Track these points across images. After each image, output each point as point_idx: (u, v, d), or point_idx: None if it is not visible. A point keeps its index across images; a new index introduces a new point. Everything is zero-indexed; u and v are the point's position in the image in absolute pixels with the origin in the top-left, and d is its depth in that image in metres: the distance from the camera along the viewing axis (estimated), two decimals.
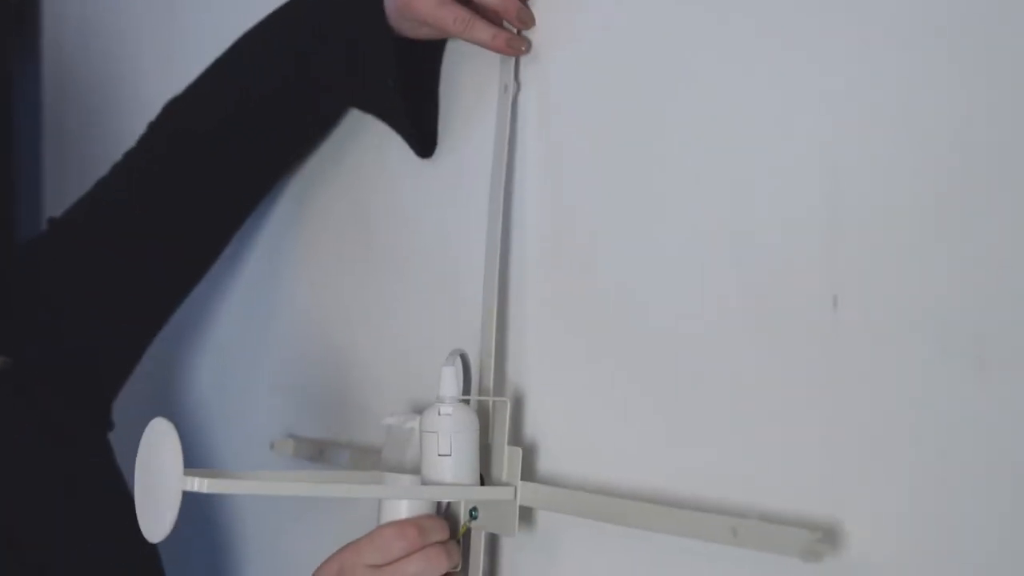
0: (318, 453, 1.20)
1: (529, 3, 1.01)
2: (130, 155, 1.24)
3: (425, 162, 1.11)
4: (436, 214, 1.11)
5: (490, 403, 0.98)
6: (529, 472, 0.97)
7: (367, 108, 1.15)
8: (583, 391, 0.94)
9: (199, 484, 0.85)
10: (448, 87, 1.10)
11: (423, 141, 1.10)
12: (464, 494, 0.95)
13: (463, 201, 1.07)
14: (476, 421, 0.95)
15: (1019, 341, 0.68)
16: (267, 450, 1.30)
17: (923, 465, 0.72)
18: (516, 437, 0.99)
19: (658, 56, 0.90)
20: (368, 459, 1.12)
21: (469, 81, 1.08)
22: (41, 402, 1.15)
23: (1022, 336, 0.68)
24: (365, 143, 1.20)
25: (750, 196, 0.83)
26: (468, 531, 0.99)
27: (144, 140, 1.24)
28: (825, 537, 0.75)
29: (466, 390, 0.98)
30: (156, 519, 0.87)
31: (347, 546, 0.96)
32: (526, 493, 0.95)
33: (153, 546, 1.17)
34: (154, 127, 1.24)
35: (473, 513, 0.98)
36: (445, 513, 1.00)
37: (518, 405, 0.99)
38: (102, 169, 1.25)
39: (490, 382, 0.99)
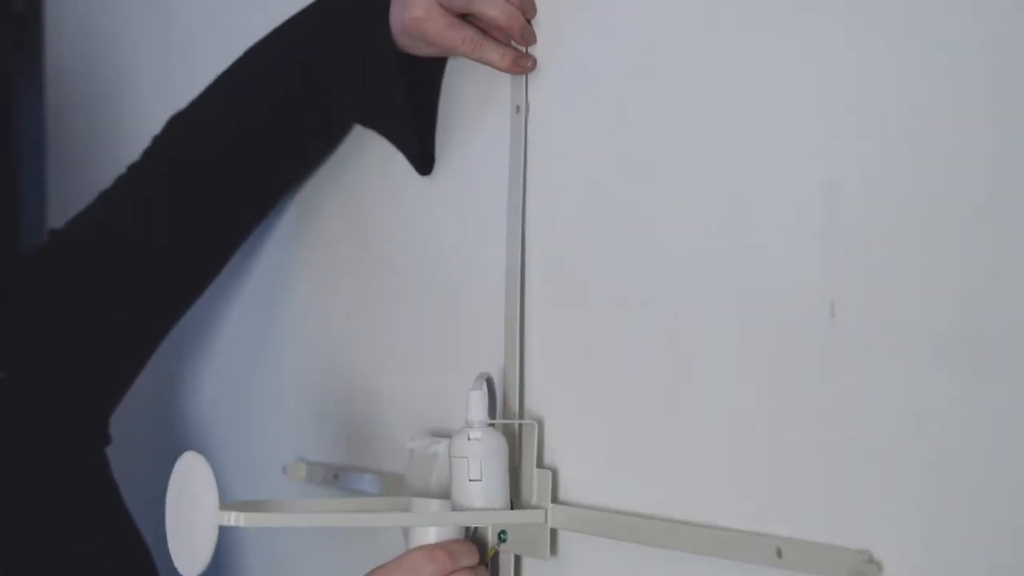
0: (332, 477, 1.19)
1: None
2: (133, 170, 1.23)
3: (430, 180, 1.11)
4: (441, 231, 1.11)
5: (516, 426, 0.98)
6: (552, 495, 0.97)
7: (369, 123, 1.15)
8: (599, 414, 0.94)
9: (235, 518, 0.85)
10: (446, 103, 1.10)
11: (424, 158, 1.10)
12: (496, 519, 0.95)
13: (469, 219, 1.07)
14: (505, 445, 0.96)
15: (1017, 348, 0.69)
16: (272, 467, 1.29)
17: (922, 473, 0.73)
18: (539, 460, 0.99)
19: (656, 70, 0.91)
20: (389, 484, 1.12)
21: (468, 97, 1.08)
22: (38, 415, 1.14)
23: (1020, 343, 0.69)
24: (369, 159, 1.19)
25: (749, 208, 0.83)
26: (496, 554, 0.99)
27: (147, 156, 1.23)
28: (871, 559, 0.75)
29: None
30: (192, 554, 0.86)
31: (376, 570, 0.95)
32: (557, 515, 0.95)
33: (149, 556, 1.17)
34: (158, 142, 1.23)
35: (502, 536, 0.98)
36: (473, 536, 1.00)
37: (539, 429, 0.99)
38: (105, 177, 1.24)
39: (516, 405, 0.99)
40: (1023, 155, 0.69)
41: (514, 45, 1.01)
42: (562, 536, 0.97)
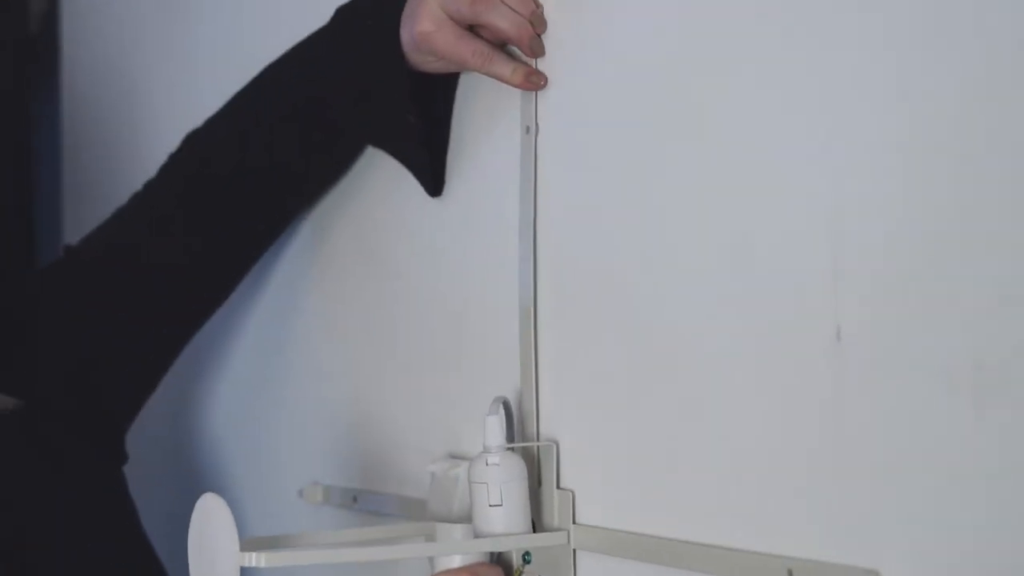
0: (351, 500, 1.19)
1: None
2: (150, 188, 1.23)
3: (442, 201, 1.10)
4: (453, 254, 1.10)
5: (535, 448, 0.98)
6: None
7: (381, 145, 1.14)
8: (612, 436, 0.94)
9: (256, 559, 0.85)
10: (456, 124, 1.10)
11: (435, 179, 1.10)
12: (518, 543, 0.95)
13: (481, 242, 1.07)
14: (524, 468, 0.95)
15: (1021, 372, 0.69)
16: (287, 488, 1.29)
17: (930, 494, 0.73)
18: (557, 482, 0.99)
19: (666, 94, 0.91)
20: (408, 507, 1.12)
21: (477, 117, 1.07)
22: (52, 440, 1.14)
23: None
24: (381, 180, 1.19)
25: (757, 233, 0.83)
26: (521, 575, 0.99)
27: (163, 173, 1.23)
28: None
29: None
30: None
31: None
32: (579, 537, 0.95)
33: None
34: (174, 159, 1.23)
35: (527, 557, 0.98)
36: (498, 559, 1.00)
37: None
38: (121, 193, 1.25)
39: (534, 428, 0.99)
40: None
41: (524, 60, 1.01)
42: (579, 556, 0.96)
